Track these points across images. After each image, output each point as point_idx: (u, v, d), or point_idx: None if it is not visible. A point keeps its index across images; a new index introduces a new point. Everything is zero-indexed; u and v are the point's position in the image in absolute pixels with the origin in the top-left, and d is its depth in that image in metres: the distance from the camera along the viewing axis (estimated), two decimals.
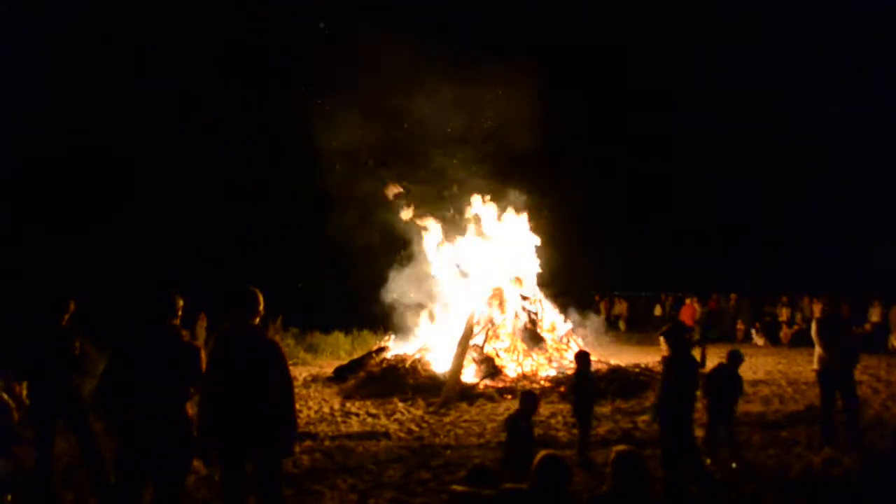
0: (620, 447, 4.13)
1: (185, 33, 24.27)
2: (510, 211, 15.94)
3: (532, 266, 15.65)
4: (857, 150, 27.90)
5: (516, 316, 14.40)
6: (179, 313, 4.66)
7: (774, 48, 31.59)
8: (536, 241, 15.77)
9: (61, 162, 24.08)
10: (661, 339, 6.36)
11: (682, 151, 31.73)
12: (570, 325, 15.42)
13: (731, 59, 32.64)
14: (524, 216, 15.96)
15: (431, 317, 15.51)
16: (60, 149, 23.93)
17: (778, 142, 32.86)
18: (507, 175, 16.27)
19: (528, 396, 6.89)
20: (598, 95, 29.70)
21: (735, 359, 7.97)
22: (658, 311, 25.26)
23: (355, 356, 15.61)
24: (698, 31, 32.01)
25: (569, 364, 13.55)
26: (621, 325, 25.21)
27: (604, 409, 10.46)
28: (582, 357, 8.13)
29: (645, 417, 9.67)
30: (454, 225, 16.13)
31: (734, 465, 7.11)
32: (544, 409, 10.07)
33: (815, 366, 8.04)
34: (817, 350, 8.00)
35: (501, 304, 14.50)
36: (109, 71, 25.00)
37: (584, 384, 7.86)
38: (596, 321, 19.39)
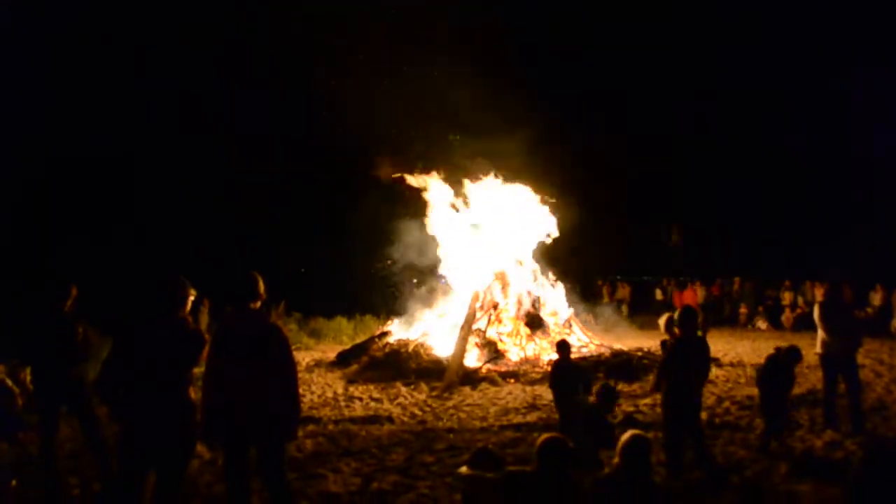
0: (633, 431, 4.14)
1: (185, 33, 24.24)
2: (514, 198, 15.91)
3: (532, 253, 15.67)
4: (859, 136, 27.79)
5: (519, 300, 14.41)
6: (189, 304, 4.64)
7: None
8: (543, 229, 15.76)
9: (64, 161, 24.08)
10: (670, 320, 6.25)
11: (684, 137, 31.66)
12: (572, 309, 15.42)
13: (731, 52, 32.60)
14: (529, 202, 15.93)
15: (434, 301, 15.51)
16: (63, 148, 23.91)
17: (780, 127, 32.79)
18: (512, 161, 16.23)
19: (609, 392, 6.54)
20: (600, 87, 29.74)
21: (795, 357, 7.57)
22: (659, 295, 25.27)
23: (358, 341, 15.63)
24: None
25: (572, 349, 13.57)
26: (624, 309, 25.20)
27: None
28: (562, 346, 7.99)
29: (647, 400, 9.69)
30: (458, 211, 16.10)
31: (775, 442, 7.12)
32: (547, 394, 10.08)
33: (818, 349, 8.04)
34: (820, 334, 7.99)
35: (504, 288, 14.51)
36: (109, 71, 24.97)
37: (563, 373, 7.71)
38: (598, 305, 19.43)
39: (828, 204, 29.56)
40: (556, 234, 15.58)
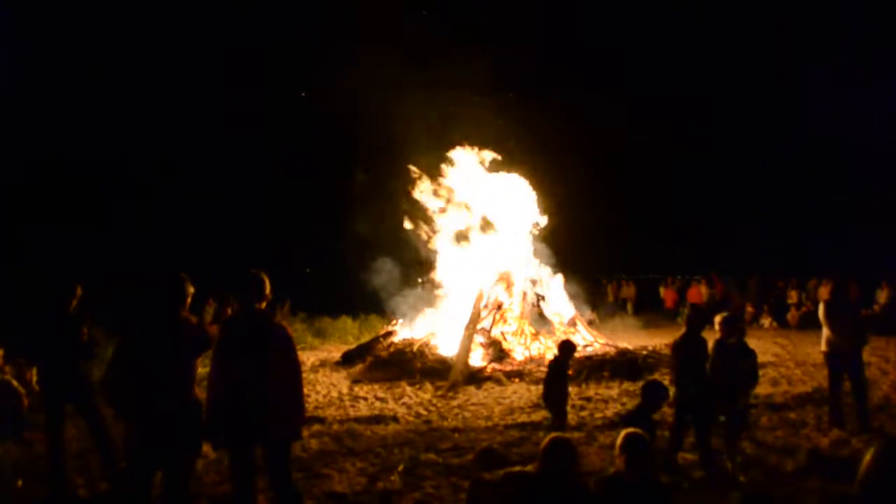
0: (630, 429, 4.12)
1: (185, 33, 24.30)
2: (517, 197, 15.89)
3: (533, 253, 15.67)
4: (863, 135, 27.74)
5: (523, 299, 14.39)
6: (189, 301, 4.65)
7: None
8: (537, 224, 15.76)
9: (67, 161, 24.14)
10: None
11: (689, 134, 31.65)
12: (576, 308, 15.40)
13: (733, 52, 32.69)
14: (532, 201, 15.93)
15: (439, 301, 15.50)
16: (67, 147, 23.99)
17: (785, 126, 32.78)
18: (515, 159, 16.23)
19: (658, 389, 5.73)
20: (603, 85, 29.79)
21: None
22: (664, 294, 25.22)
23: (363, 340, 15.65)
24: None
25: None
26: (629, 308, 25.17)
27: (611, 391, 10.47)
28: (566, 346, 7.67)
29: None
30: (462, 210, 16.09)
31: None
32: None
33: (824, 347, 8.02)
34: (825, 332, 7.97)
35: (509, 288, 14.50)
36: (112, 71, 25.03)
37: (563, 375, 7.46)
38: (603, 304, 19.40)
39: (833, 202, 29.53)
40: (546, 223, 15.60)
